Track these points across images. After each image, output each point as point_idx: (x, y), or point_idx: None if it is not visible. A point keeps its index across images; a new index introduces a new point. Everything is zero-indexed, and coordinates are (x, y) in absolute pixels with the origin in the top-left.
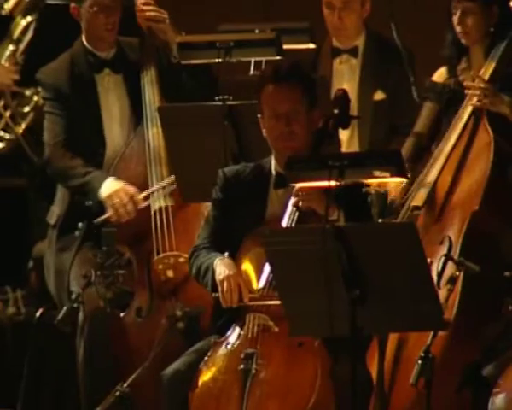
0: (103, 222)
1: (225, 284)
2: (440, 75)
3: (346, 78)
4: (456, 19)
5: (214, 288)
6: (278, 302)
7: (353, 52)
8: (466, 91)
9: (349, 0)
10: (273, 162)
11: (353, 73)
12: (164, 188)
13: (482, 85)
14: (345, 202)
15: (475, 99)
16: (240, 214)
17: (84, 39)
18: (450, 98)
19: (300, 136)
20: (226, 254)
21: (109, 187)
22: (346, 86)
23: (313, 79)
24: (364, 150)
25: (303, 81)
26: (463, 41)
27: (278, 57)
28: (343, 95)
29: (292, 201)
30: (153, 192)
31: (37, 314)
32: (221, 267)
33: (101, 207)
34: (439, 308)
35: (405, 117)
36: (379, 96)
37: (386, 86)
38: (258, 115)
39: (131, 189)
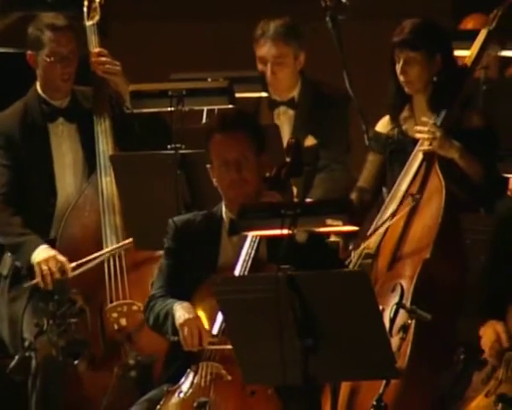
0: (31, 286)
1: (186, 329)
2: (383, 124)
3: (285, 129)
4: (399, 68)
5: (175, 332)
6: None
7: (290, 104)
8: (416, 135)
9: (281, 54)
10: (224, 209)
11: (292, 124)
12: (98, 258)
13: (432, 129)
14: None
15: (426, 143)
16: (192, 263)
17: (38, 87)
18: (394, 149)
19: (251, 182)
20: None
21: (41, 254)
22: (284, 137)
23: (259, 125)
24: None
25: (249, 128)
26: (406, 90)
27: (231, 106)
28: (295, 144)
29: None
30: (86, 262)
31: None
32: (180, 311)
33: (30, 269)
34: (391, 357)
35: (328, 157)
36: (309, 141)
37: (319, 132)
38: (208, 165)
39: (62, 258)
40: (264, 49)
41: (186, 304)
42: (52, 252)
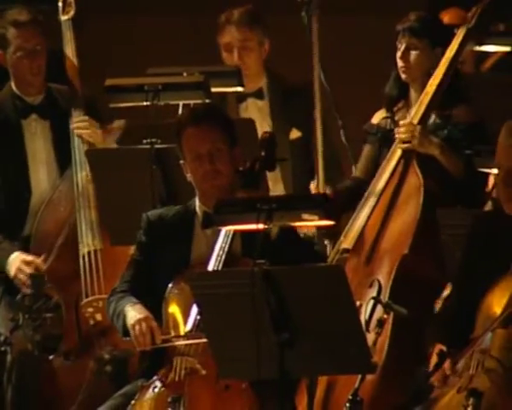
0: (25, 295)
1: (137, 328)
2: (378, 116)
3: (257, 121)
4: (399, 53)
5: (125, 333)
6: (191, 342)
7: (258, 94)
8: (396, 135)
9: (246, 38)
10: (197, 203)
11: (263, 115)
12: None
13: (411, 128)
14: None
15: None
16: (165, 257)
17: (12, 84)
18: (384, 138)
19: (225, 173)
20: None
21: (12, 265)
22: (259, 129)
23: (230, 119)
24: (290, 192)
25: (221, 121)
26: (403, 76)
27: (207, 100)
28: (269, 137)
29: None
30: (50, 253)
31: None
32: (132, 313)
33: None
34: (367, 352)
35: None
36: (294, 134)
37: (300, 124)
38: (181, 161)
39: (30, 258)
40: (229, 36)
41: (138, 305)
42: (19, 257)
